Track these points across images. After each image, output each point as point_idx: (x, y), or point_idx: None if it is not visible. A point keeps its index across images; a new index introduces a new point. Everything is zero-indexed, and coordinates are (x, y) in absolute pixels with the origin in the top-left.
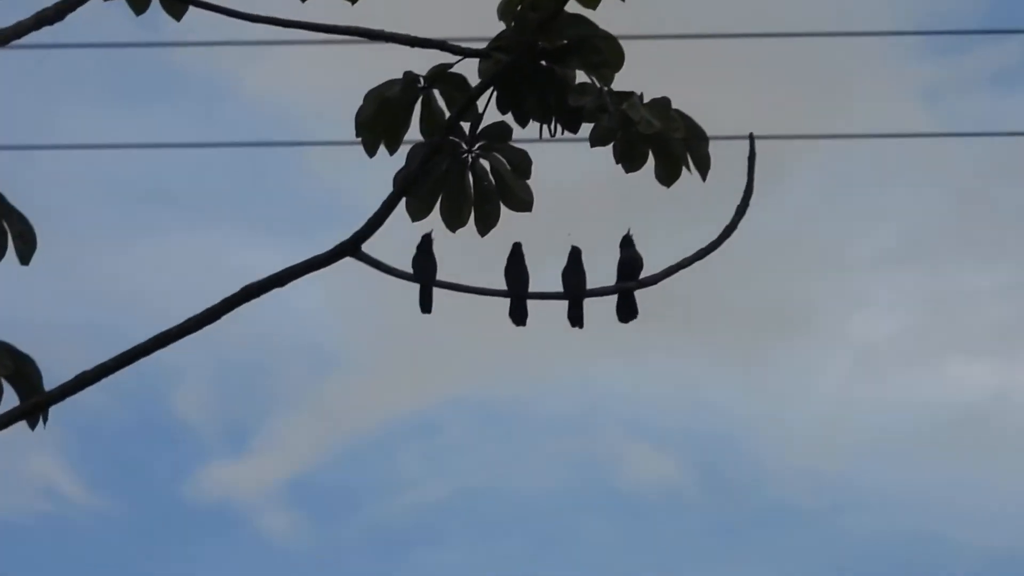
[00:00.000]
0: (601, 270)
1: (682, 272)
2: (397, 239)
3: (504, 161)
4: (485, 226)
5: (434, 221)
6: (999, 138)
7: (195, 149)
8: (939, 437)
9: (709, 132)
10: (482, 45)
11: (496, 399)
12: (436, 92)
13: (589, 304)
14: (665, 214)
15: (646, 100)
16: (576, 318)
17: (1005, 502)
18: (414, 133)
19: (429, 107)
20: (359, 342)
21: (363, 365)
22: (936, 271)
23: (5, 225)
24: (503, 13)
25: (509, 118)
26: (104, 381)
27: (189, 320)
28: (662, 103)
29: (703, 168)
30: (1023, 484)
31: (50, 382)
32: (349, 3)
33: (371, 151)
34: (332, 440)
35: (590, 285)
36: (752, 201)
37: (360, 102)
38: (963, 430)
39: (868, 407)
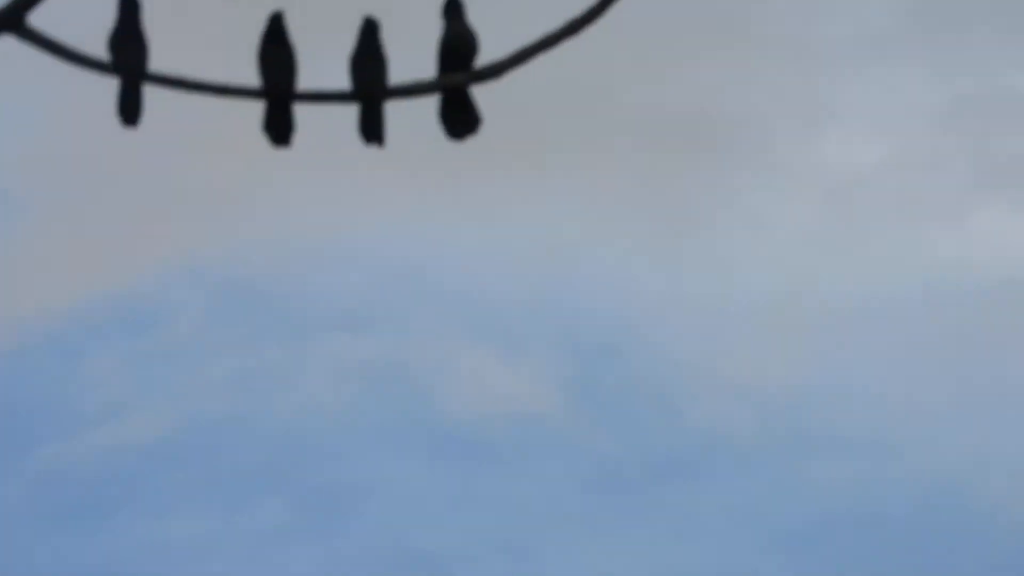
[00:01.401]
0: (413, 53)
1: (542, 59)
2: (87, 6)
3: None
4: None
5: None
6: None
7: None
8: (958, 330)
9: None
10: None
11: (243, 272)
12: None
13: (393, 108)
14: None
15: None
16: (372, 129)
17: None
18: None
19: None
20: (23, 173)
21: (30, 211)
22: (951, 62)
23: None
24: None
25: None
26: None
27: None
28: None
29: None
30: None
31: None
32: None
33: None
34: None
35: (396, 77)
36: None
37: None
38: (996, 317)
39: (844, 284)
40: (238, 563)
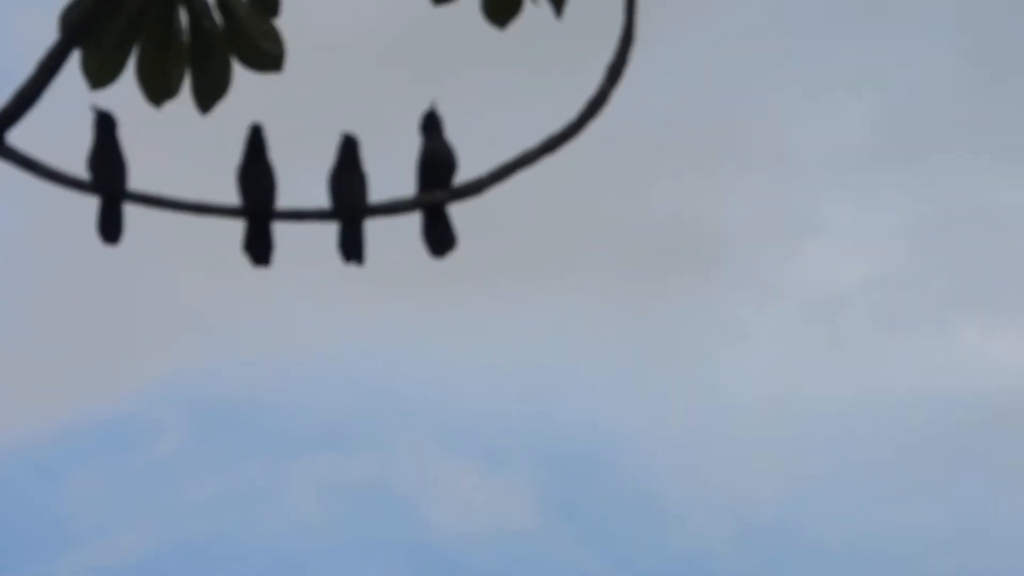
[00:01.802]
0: (393, 170)
1: (523, 174)
2: (64, 124)
3: None
4: (208, 96)
5: (125, 90)
6: None
7: None
8: (954, 448)
9: None
10: None
11: (224, 391)
12: None
13: (378, 229)
14: (495, 78)
15: None
16: (352, 248)
17: None
18: None
19: None
20: (2, 290)
21: (8, 330)
22: (930, 170)
23: None
24: None
25: None
26: None
27: None
28: None
29: None
30: None
31: None
32: None
33: None
34: None
35: (377, 195)
36: (633, 57)
37: None
38: (991, 435)
39: (833, 400)
40: None
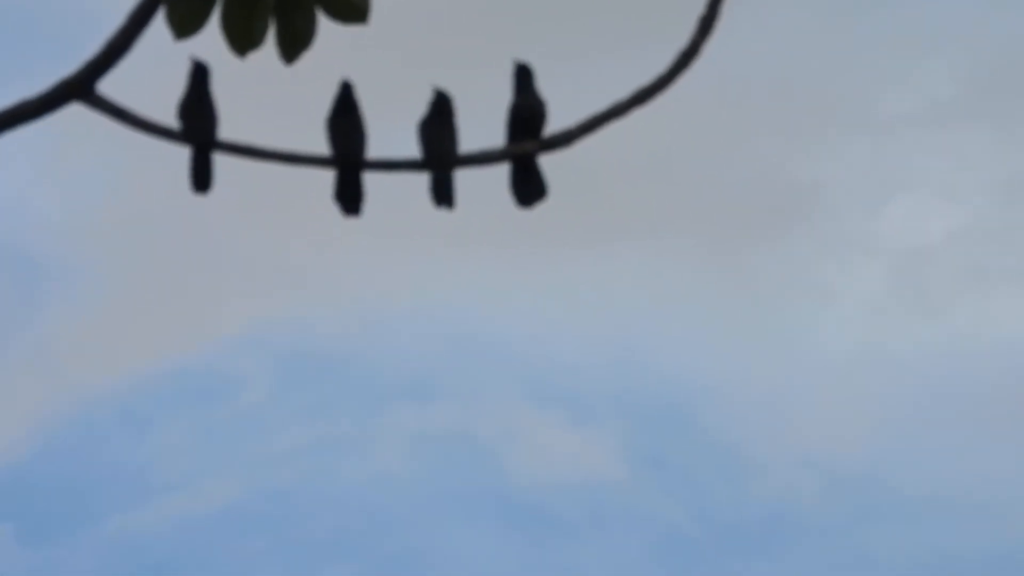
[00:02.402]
0: (483, 123)
1: (612, 127)
2: (152, 75)
3: None
4: (292, 47)
5: (211, 40)
6: None
7: None
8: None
9: None
10: None
11: (311, 342)
12: None
13: (468, 179)
14: (583, 32)
15: None
16: (442, 192)
17: None
18: None
19: None
20: (92, 240)
21: (99, 280)
22: (1016, 124)
23: None
24: None
25: None
26: None
27: None
28: None
29: None
30: None
31: None
32: None
33: None
34: (51, 407)
35: (467, 146)
36: (724, 10)
37: None
38: None
39: (915, 357)
40: None
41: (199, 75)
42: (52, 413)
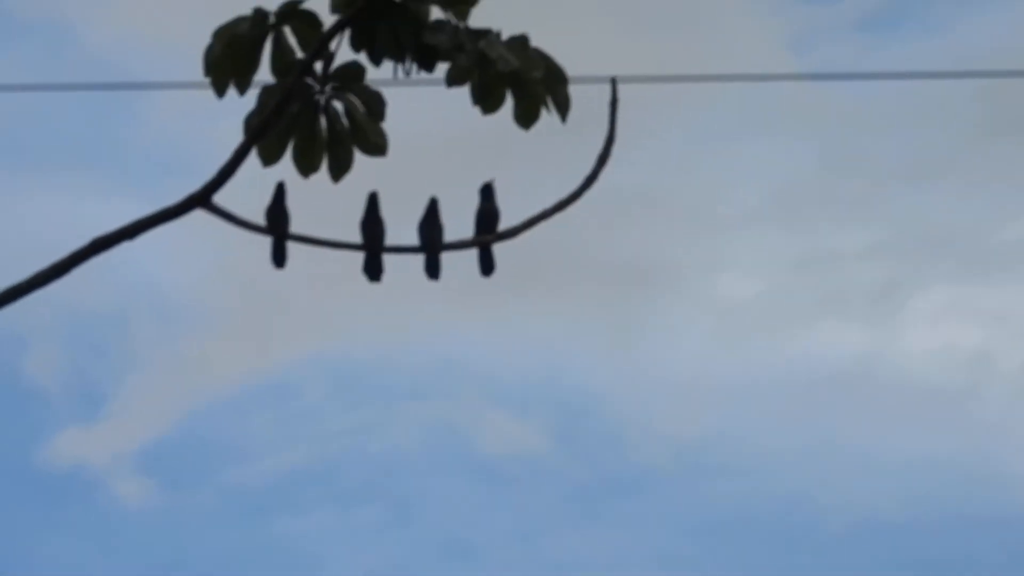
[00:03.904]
0: (460, 221)
1: (543, 225)
2: (250, 190)
3: (357, 103)
4: (338, 171)
5: (286, 167)
6: (867, 88)
7: (36, 95)
8: (805, 400)
9: (570, 75)
10: None
11: (352, 359)
12: (287, 29)
13: (449, 259)
14: (526, 164)
15: (504, 38)
16: (433, 270)
17: (874, 463)
18: (264, 74)
19: (279, 45)
20: (212, 299)
21: (216, 324)
22: (803, 230)
23: None
24: None
25: (363, 57)
26: None
27: (37, 275)
28: (520, 41)
29: (563, 109)
30: (892, 445)
31: None
32: None
33: (220, 91)
34: (186, 403)
35: (449, 236)
36: (614, 151)
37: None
38: (829, 393)
39: (733, 370)
40: None
41: (279, 190)
42: (188, 403)
